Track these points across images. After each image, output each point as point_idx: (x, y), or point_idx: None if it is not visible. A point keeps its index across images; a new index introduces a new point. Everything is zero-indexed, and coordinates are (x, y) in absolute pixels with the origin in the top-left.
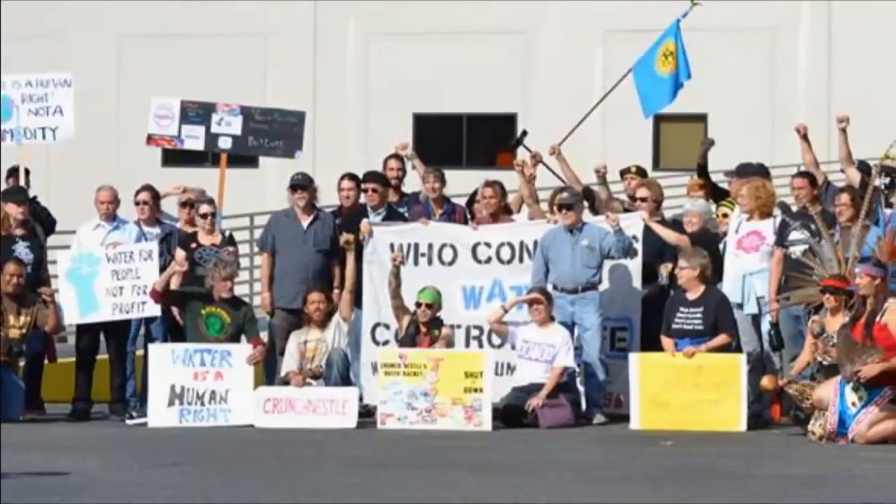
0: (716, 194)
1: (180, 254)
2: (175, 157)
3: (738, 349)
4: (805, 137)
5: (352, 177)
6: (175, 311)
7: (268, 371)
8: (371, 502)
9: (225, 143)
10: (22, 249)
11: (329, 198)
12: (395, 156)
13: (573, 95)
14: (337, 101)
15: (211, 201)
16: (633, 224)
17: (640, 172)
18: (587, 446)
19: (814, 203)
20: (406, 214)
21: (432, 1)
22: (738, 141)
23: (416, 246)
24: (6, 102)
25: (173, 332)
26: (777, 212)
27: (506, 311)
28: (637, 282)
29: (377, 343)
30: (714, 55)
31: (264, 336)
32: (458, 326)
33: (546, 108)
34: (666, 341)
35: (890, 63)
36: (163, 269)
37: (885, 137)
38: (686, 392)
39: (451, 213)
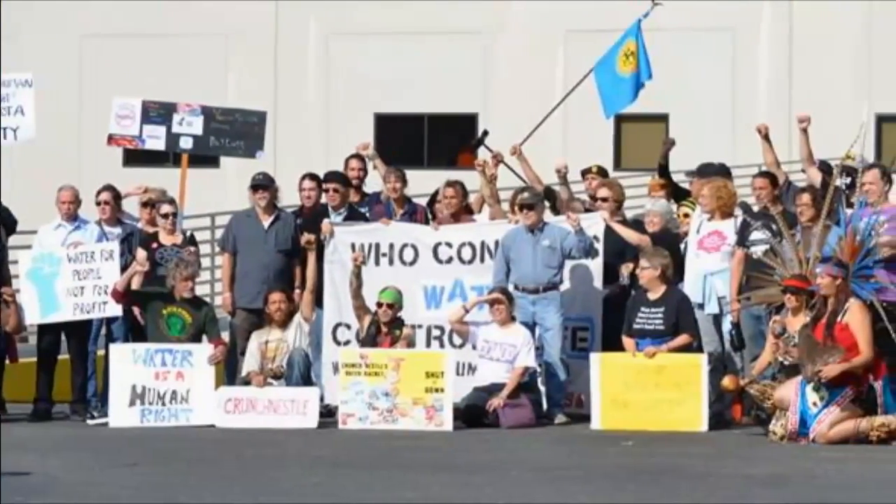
0: (677, 194)
1: (141, 254)
2: (136, 157)
3: (700, 349)
4: (766, 137)
5: (313, 177)
6: (136, 311)
7: (229, 371)
8: (332, 502)
9: (186, 143)
10: None
11: (290, 198)
12: (357, 156)
13: (534, 95)
14: (298, 101)
15: (172, 201)
16: (594, 224)
17: (602, 172)
18: (548, 446)
19: (775, 203)
20: (367, 214)
21: (393, 1)
22: (700, 141)
23: (378, 246)
24: None
25: (134, 332)
26: (738, 212)
27: (467, 311)
28: (598, 282)
29: (338, 343)
30: (675, 55)
31: (225, 336)
32: (420, 326)
33: (507, 108)
34: (627, 341)
35: (850, 63)
36: (124, 269)
37: (845, 137)
38: (647, 392)
39: (413, 213)
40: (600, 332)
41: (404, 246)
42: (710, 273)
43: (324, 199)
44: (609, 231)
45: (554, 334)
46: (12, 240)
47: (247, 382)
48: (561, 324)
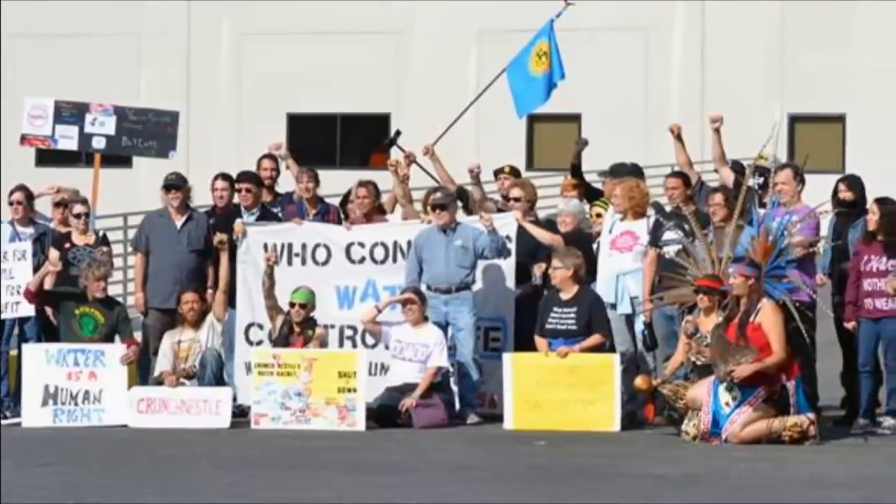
0: (589, 194)
1: (54, 254)
2: (49, 156)
3: (612, 349)
4: (678, 137)
5: (225, 177)
6: (49, 311)
7: (141, 371)
8: (245, 502)
9: (99, 143)
10: None
11: (203, 198)
12: (269, 156)
13: (447, 95)
14: (210, 101)
15: (84, 201)
16: (507, 224)
17: (514, 172)
18: (461, 446)
19: (687, 203)
20: (280, 214)
21: (306, 1)
22: (612, 141)
23: (290, 246)
24: None
25: (47, 332)
26: (651, 212)
27: (379, 311)
28: (510, 282)
29: (251, 343)
30: (588, 55)
31: (138, 336)
32: (332, 326)
33: (420, 107)
34: (539, 341)
35: (763, 63)
36: (36, 269)
37: (758, 137)
38: (560, 392)
39: (325, 213)
40: (513, 332)
41: (317, 246)
42: (622, 273)
43: (236, 199)
44: (521, 231)
45: (466, 334)
46: None
47: (159, 382)
48: (473, 324)
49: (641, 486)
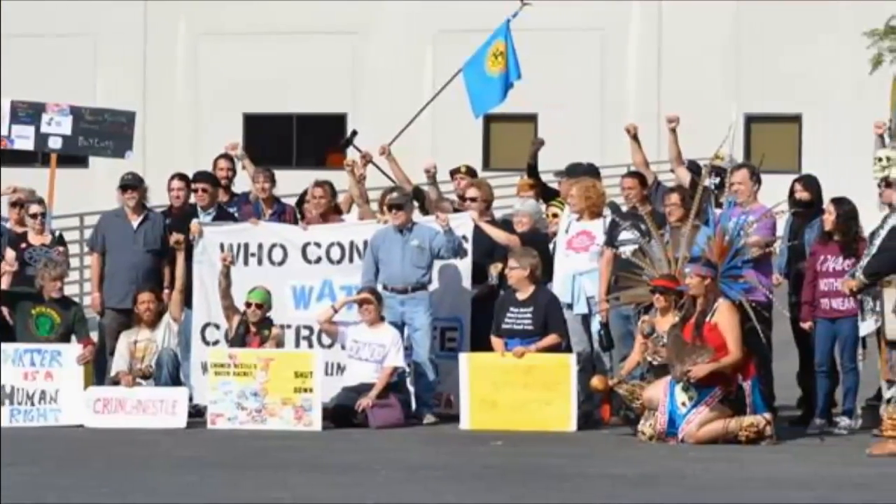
0: (546, 194)
1: (10, 254)
2: (5, 157)
3: (568, 349)
4: (635, 137)
5: (182, 177)
6: (5, 311)
7: (98, 371)
8: (201, 502)
9: (55, 143)
10: None
11: (159, 198)
12: (225, 156)
13: (403, 95)
14: (167, 101)
15: (41, 201)
16: (463, 224)
17: (470, 172)
18: (417, 446)
19: (644, 203)
20: (236, 214)
21: (262, 1)
22: (568, 141)
23: (246, 246)
24: None
25: (3, 332)
26: (607, 212)
27: (336, 311)
28: (467, 282)
29: (207, 343)
30: (544, 55)
31: (94, 336)
32: (289, 326)
33: (376, 108)
34: (496, 341)
35: (719, 63)
36: None
37: (714, 137)
38: (516, 392)
39: (281, 213)
40: (469, 332)
41: (273, 246)
42: (579, 273)
43: (193, 199)
44: (478, 231)
45: (423, 334)
46: None
47: (116, 382)
48: (430, 324)
49: (598, 486)
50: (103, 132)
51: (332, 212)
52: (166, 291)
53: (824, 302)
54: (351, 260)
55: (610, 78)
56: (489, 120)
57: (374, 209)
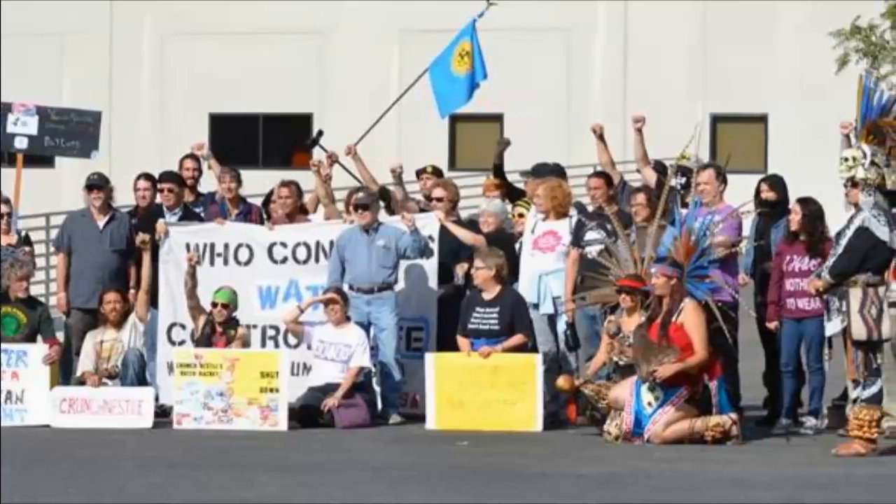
0: (512, 194)
1: None
2: None
3: (534, 349)
4: (601, 137)
5: (147, 177)
6: None
7: (64, 371)
8: (167, 502)
9: (21, 143)
10: None
11: (125, 198)
12: (191, 156)
13: (369, 95)
14: (133, 101)
15: (7, 201)
16: (429, 224)
17: (436, 172)
18: (383, 446)
19: (610, 203)
20: (202, 214)
21: (228, 1)
22: (534, 141)
23: (212, 246)
24: None
25: None
26: (573, 212)
27: (302, 311)
28: (433, 282)
29: (173, 343)
30: (510, 55)
31: (60, 336)
32: (255, 326)
33: (342, 107)
34: (462, 341)
35: (685, 63)
36: None
37: (680, 137)
38: (482, 392)
39: (247, 213)
40: (435, 332)
41: (239, 246)
42: (545, 273)
43: (159, 199)
44: (444, 231)
45: (389, 334)
46: None
47: (82, 382)
48: (396, 324)
49: (564, 485)
50: (69, 132)
51: (298, 212)
52: (132, 291)
53: (790, 302)
54: (317, 260)
55: (576, 78)
56: (455, 120)
57: (341, 209)
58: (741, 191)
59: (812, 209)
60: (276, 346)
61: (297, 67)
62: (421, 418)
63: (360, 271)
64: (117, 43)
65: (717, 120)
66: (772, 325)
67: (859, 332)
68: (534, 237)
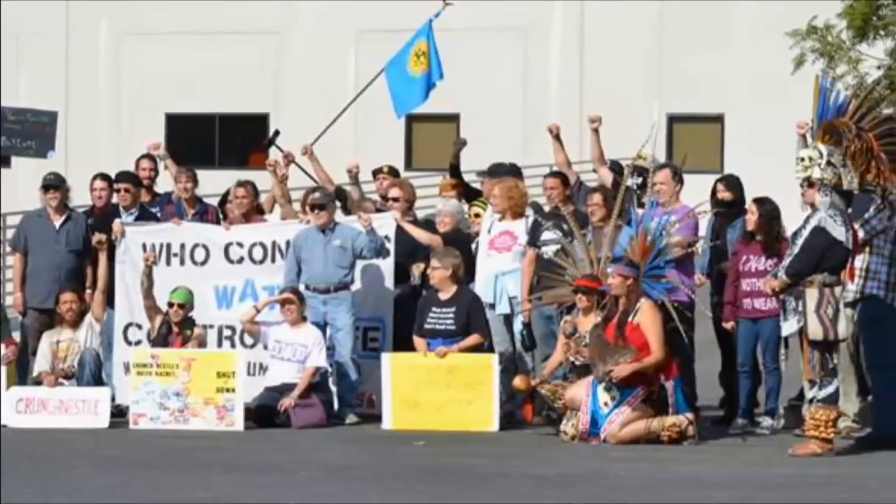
0: (468, 194)
1: None
2: None
3: (491, 349)
4: (557, 137)
5: (104, 177)
6: None
7: (20, 371)
8: (123, 502)
9: None
10: None
11: (81, 198)
12: (148, 156)
13: (325, 95)
14: (89, 101)
15: None
16: (386, 224)
17: (393, 172)
18: (339, 446)
19: (566, 203)
20: (158, 214)
21: (185, 1)
22: (491, 141)
23: (169, 246)
24: None
25: None
26: (529, 212)
27: (258, 311)
28: (389, 282)
29: (129, 343)
30: (466, 55)
31: (17, 336)
32: (211, 326)
33: (298, 108)
34: (418, 341)
35: (641, 63)
36: None
37: (637, 137)
38: (438, 392)
39: (204, 213)
40: (391, 332)
41: (195, 246)
42: (501, 273)
43: (115, 199)
44: (400, 231)
45: (345, 334)
46: None
47: (38, 382)
48: (352, 324)
49: (520, 486)
50: (26, 132)
51: (254, 212)
52: (88, 291)
53: (746, 302)
54: (273, 260)
55: (532, 78)
56: (411, 120)
57: (297, 209)
58: (697, 191)
59: (768, 209)
60: (233, 346)
61: (253, 67)
62: (377, 418)
63: (317, 271)
64: (73, 43)
65: (673, 120)
66: (728, 325)
67: (815, 332)
68: (490, 237)
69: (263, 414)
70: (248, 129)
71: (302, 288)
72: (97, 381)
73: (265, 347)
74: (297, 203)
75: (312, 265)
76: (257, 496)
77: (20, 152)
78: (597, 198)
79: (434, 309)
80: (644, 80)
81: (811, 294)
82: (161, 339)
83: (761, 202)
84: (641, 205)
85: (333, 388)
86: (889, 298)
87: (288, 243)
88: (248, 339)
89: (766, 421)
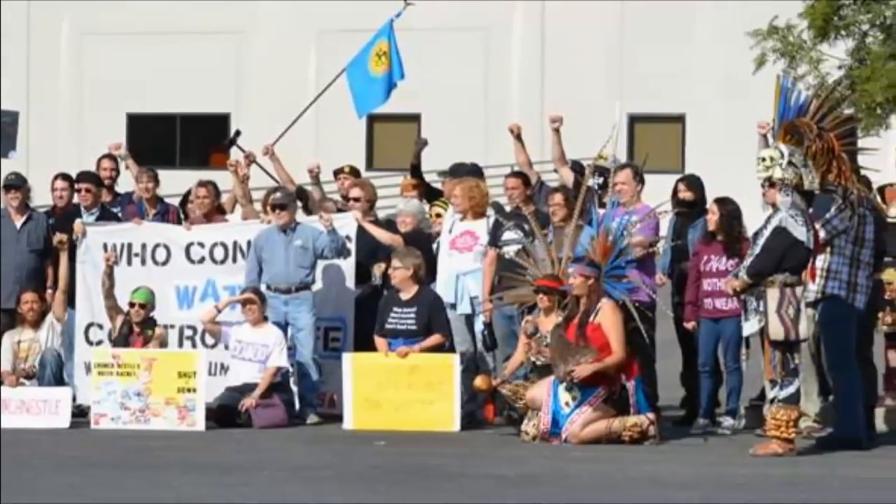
0: (429, 194)
1: None
2: None
3: (452, 349)
4: (518, 137)
5: (65, 177)
6: None
7: None
8: (84, 502)
9: None
10: None
11: (42, 198)
12: (109, 156)
13: (287, 95)
14: (51, 100)
15: None
16: (347, 224)
17: (354, 172)
18: (301, 446)
19: (527, 203)
20: (119, 214)
21: (145, 1)
22: (452, 141)
23: (130, 246)
24: None
25: None
26: (490, 212)
27: (219, 311)
28: (350, 282)
29: (90, 343)
30: (427, 55)
31: None
32: (172, 326)
33: (259, 107)
34: (379, 341)
35: (602, 63)
36: None
37: (598, 137)
38: (399, 392)
39: (165, 213)
40: (352, 332)
41: (157, 246)
42: (462, 273)
43: (76, 199)
44: (361, 231)
45: (306, 334)
46: None
47: None
48: (313, 324)
49: (481, 485)
50: None
51: (215, 212)
52: (49, 291)
53: (708, 302)
54: (234, 260)
55: (493, 78)
56: (372, 120)
57: (258, 209)
58: (658, 191)
59: (729, 209)
60: (194, 346)
61: (214, 67)
62: (338, 418)
63: (278, 271)
64: (35, 43)
65: (634, 120)
66: (689, 325)
67: (777, 332)
68: (451, 237)
69: (225, 414)
70: (210, 129)
71: (263, 288)
72: (58, 381)
73: (226, 347)
74: (259, 203)
75: (274, 265)
76: (219, 496)
77: None
78: (558, 198)
79: (395, 309)
80: (605, 80)
81: (772, 294)
82: (122, 339)
83: (722, 202)
84: (603, 205)
85: (295, 388)
86: (850, 298)
87: (249, 243)
88: (210, 339)
89: (728, 421)
